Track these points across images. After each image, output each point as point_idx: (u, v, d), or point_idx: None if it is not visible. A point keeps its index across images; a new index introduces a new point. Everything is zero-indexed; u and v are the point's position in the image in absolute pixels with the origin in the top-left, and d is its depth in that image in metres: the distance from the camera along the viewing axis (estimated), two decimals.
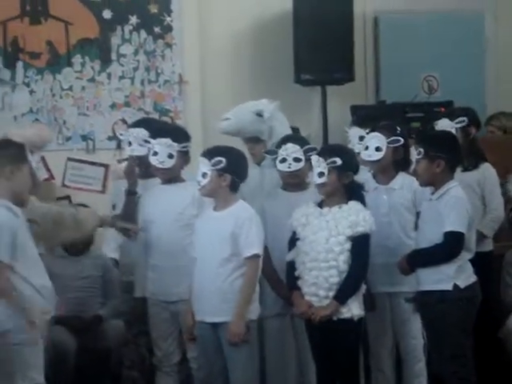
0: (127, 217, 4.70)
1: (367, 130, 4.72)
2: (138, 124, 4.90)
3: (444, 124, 5.14)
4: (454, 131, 5.06)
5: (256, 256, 4.19)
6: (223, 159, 4.21)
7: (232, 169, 4.24)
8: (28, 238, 4.02)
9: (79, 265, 5.30)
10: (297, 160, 4.53)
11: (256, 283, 4.22)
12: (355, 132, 4.88)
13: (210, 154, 4.26)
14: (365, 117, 5.11)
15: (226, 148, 4.34)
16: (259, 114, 4.77)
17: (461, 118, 5.18)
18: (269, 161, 4.64)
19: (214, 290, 4.18)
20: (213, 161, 4.21)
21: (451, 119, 5.19)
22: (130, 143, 4.78)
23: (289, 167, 4.54)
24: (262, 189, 4.68)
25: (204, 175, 4.23)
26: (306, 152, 4.50)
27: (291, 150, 4.54)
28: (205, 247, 4.23)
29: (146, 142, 4.62)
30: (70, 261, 5.30)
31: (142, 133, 4.74)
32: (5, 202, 3.98)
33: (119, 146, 4.94)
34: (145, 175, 4.77)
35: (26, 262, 3.97)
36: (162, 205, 4.52)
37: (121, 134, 4.98)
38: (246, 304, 4.17)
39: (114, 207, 4.93)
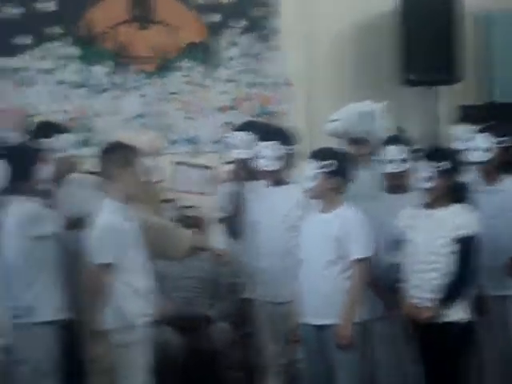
0: (236, 219, 4.75)
1: (475, 128, 4.63)
2: (243, 127, 4.93)
3: None
4: None
5: (365, 259, 4.19)
6: (334, 161, 4.21)
7: (341, 171, 4.25)
8: (136, 240, 4.09)
9: (185, 265, 5.35)
10: (403, 161, 4.52)
11: (364, 286, 4.21)
12: (462, 130, 4.79)
13: (319, 156, 4.26)
14: (473, 116, 5.01)
15: (335, 150, 4.35)
16: (367, 115, 4.74)
17: None
18: (375, 163, 4.61)
19: (319, 293, 4.18)
20: (323, 163, 4.21)
21: None
22: (235, 146, 4.81)
23: (396, 168, 4.52)
24: (367, 191, 4.63)
25: (312, 177, 4.23)
26: (412, 153, 4.47)
27: (397, 151, 4.53)
28: (311, 249, 4.24)
29: (253, 144, 4.64)
30: (176, 261, 5.35)
31: (248, 136, 4.76)
32: (115, 205, 4.08)
33: (225, 149, 4.96)
34: (250, 177, 4.80)
35: (129, 264, 4.04)
36: (267, 207, 4.56)
37: (226, 137, 5.01)
38: (354, 307, 4.16)
39: (220, 209, 4.97)
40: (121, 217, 4.09)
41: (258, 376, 4.79)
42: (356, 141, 4.80)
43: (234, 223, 4.81)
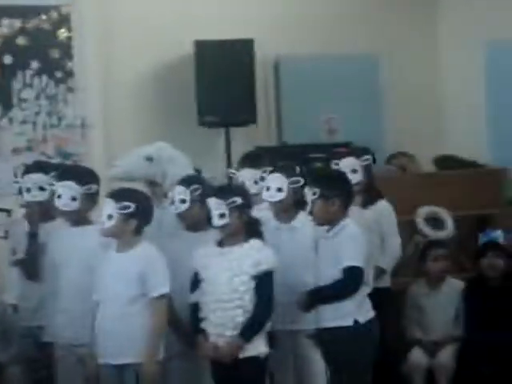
0: (30, 260, 4.68)
1: (264, 170, 4.79)
2: (33, 169, 4.88)
3: (350, 162, 5.25)
4: (359, 169, 5.20)
5: (164, 296, 4.20)
6: (131, 204, 4.22)
7: (139, 214, 4.25)
8: None
9: None
10: (182, 201, 4.53)
11: (165, 323, 4.22)
12: (247, 173, 4.94)
13: (117, 196, 4.25)
14: (255, 157, 5.19)
15: (133, 192, 4.35)
16: (149, 159, 4.80)
17: (366, 157, 5.32)
18: (168, 202, 4.67)
19: (120, 331, 4.16)
20: (120, 205, 4.21)
21: (356, 158, 5.30)
22: (28, 189, 4.77)
23: (176, 209, 4.55)
24: (162, 229, 4.69)
25: (109, 217, 4.22)
26: (192, 192, 4.51)
27: (177, 191, 4.54)
28: (109, 288, 4.22)
29: (51, 184, 4.62)
30: None
31: (42, 178, 4.75)
32: None
33: (20, 192, 4.88)
34: (48, 218, 4.77)
35: None
36: (69, 248, 4.51)
37: (16, 182, 4.94)
38: (157, 344, 4.17)
39: (13, 251, 4.88)
40: None
41: None
42: (150, 182, 4.86)
43: (29, 265, 4.75)
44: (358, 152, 5.37)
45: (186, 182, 4.59)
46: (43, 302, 4.65)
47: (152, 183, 4.83)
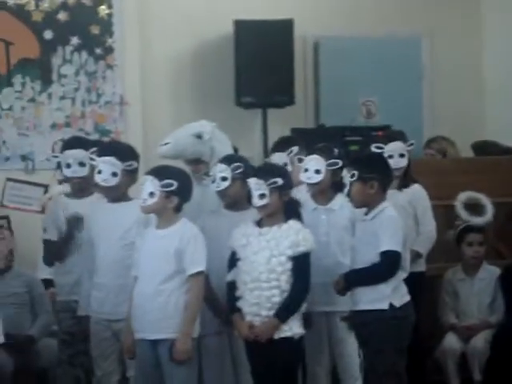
0: (62, 244, 4.78)
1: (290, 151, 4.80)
2: (73, 145, 4.91)
3: (398, 146, 5.22)
4: (406, 153, 5.20)
5: (201, 273, 4.22)
6: (174, 182, 4.23)
7: (180, 191, 4.27)
8: None
9: (3, 282, 5.26)
10: (223, 179, 4.53)
11: (201, 300, 4.25)
12: (278, 158, 4.94)
13: (159, 174, 4.26)
14: (286, 141, 5.18)
15: (175, 170, 4.36)
16: (199, 136, 4.79)
17: (411, 141, 5.31)
18: (209, 180, 4.67)
19: (156, 307, 4.19)
20: (163, 182, 4.23)
21: (403, 142, 5.28)
22: (68, 165, 4.79)
23: (217, 187, 4.55)
24: (204, 208, 4.70)
25: (151, 194, 4.24)
26: (233, 170, 4.51)
27: (218, 169, 4.55)
28: (147, 264, 4.25)
29: (91, 160, 4.64)
30: None
31: (82, 153, 4.77)
32: None
33: (59, 167, 4.92)
34: (87, 194, 4.84)
35: None
36: (107, 223, 4.53)
37: (55, 157, 4.96)
38: (192, 321, 4.20)
39: (44, 230, 4.92)
40: None
41: None
42: (192, 161, 4.86)
43: (66, 241, 4.79)
44: (404, 137, 5.35)
45: (228, 160, 4.59)
46: (80, 277, 4.68)
47: (196, 161, 4.82)
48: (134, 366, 4.39)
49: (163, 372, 4.24)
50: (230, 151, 4.86)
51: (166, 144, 4.77)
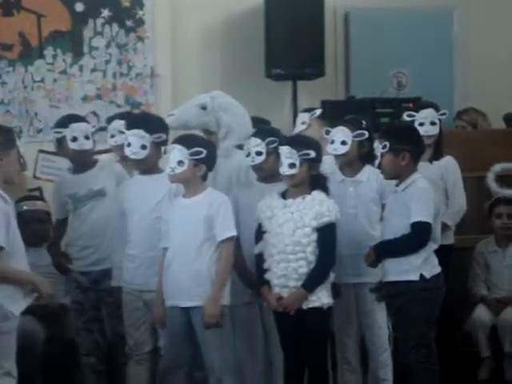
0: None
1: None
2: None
3: (430, 113, 5.20)
4: (437, 122, 5.17)
5: (231, 238, 4.25)
6: (203, 150, 4.24)
7: (208, 160, 4.29)
8: (15, 225, 4.04)
9: (38, 254, 5.32)
10: (258, 154, 4.51)
11: (231, 266, 4.27)
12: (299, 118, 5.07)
13: (187, 142, 4.27)
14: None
15: (201, 138, 4.38)
16: (203, 107, 4.77)
17: (443, 111, 5.27)
18: (221, 151, 4.63)
19: (189, 275, 4.22)
20: (192, 150, 4.24)
21: (436, 110, 5.25)
22: (75, 138, 4.81)
23: (252, 161, 4.54)
24: (216, 179, 4.65)
25: (180, 163, 4.24)
26: (268, 144, 4.49)
27: (253, 143, 4.53)
28: (178, 233, 4.27)
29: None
30: (30, 251, 5.31)
31: (87, 127, 4.85)
32: None
33: (59, 142, 4.90)
34: (87, 168, 4.91)
35: (14, 249, 3.99)
36: (139, 196, 4.56)
37: (59, 132, 4.87)
38: (222, 287, 4.22)
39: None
40: (2, 200, 3.97)
41: (121, 364, 4.81)
42: (206, 131, 4.80)
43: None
44: (435, 106, 5.31)
45: (262, 134, 4.57)
46: (112, 249, 4.72)
47: (207, 132, 4.82)
48: (165, 335, 4.43)
49: (198, 340, 4.26)
50: (240, 121, 4.77)
51: (170, 115, 4.78)
